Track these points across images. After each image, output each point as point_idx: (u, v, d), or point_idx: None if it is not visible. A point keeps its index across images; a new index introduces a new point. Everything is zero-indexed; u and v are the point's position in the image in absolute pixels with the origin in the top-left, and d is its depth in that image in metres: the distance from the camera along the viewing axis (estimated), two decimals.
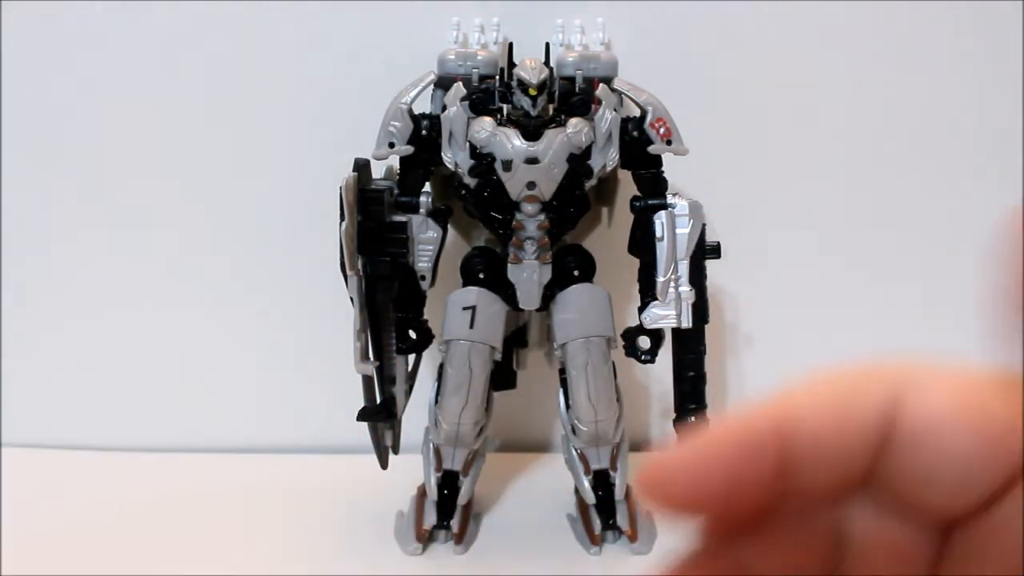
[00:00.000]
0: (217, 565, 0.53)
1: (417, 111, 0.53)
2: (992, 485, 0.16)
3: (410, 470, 0.58)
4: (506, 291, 0.54)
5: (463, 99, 0.52)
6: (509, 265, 0.53)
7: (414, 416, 0.57)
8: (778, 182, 0.65)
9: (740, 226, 0.61)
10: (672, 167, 0.53)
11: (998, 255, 0.17)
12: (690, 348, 0.53)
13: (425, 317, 0.54)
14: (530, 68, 0.50)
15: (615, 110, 0.52)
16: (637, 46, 0.60)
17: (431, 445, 0.56)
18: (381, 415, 0.54)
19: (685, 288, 0.52)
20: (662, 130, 0.52)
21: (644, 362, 0.54)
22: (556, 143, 0.51)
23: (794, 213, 0.66)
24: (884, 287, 0.65)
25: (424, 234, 0.53)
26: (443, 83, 0.53)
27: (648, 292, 0.53)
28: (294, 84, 0.62)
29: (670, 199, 0.52)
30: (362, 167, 0.51)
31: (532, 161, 0.50)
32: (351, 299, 0.51)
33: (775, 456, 0.17)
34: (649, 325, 0.53)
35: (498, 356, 0.54)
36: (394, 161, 0.53)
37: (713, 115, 0.62)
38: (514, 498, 0.62)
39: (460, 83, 0.52)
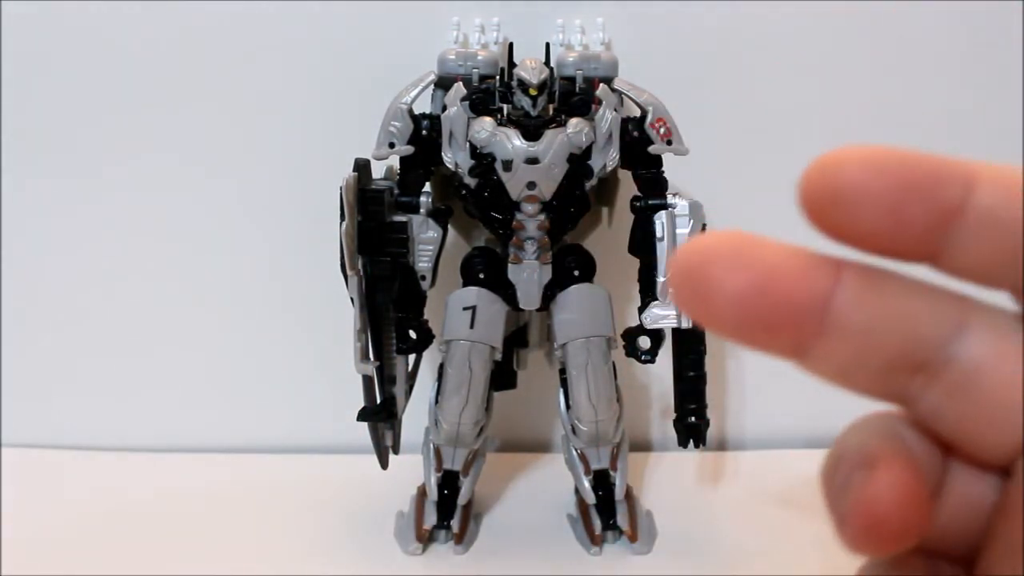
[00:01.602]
0: (217, 565, 0.53)
1: (417, 111, 0.53)
2: None
3: (410, 470, 0.58)
4: (506, 291, 0.54)
5: (463, 99, 0.52)
6: (509, 265, 0.53)
7: (414, 416, 0.57)
8: (778, 182, 0.65)
9: (740, 226, 0.61)
10: (672, 167, 0.53)
11: None
12: (690, 348, 0.53)
13: (425, 317, 0.54)
14: (530, 68, 0.50)
15: (615, 110, 0.52)
16: (637, 46, 0.60)
17: (431, 445, 0.56)
18: (381, 415, 0.54)
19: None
20: (662, 130, 0.52)
21: (644, 362, 0.54)
22: (556, 143, 0.51)
23: (794, 213, 0.65)
24: None
25: (424, 234, 0.53)
26: (443, 83, 0.53)
27: (648, 292, 0.53)
28: (294, 84, 0.62)
29: (670, 199, 0.52)
30: (362, 167, 0.51)
31: (532, 161, 0.50)
32: (351, 299, 0.51)
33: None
34: (649, 325, 0.53)
35: (498, 356, 0.54)
36: (394, 161, 0.53)
37: (713, 115, 0.62)
38: (514, 498, 0.62)
39: (460, 83, 0.52)
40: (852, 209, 0.16)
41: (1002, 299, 0.17)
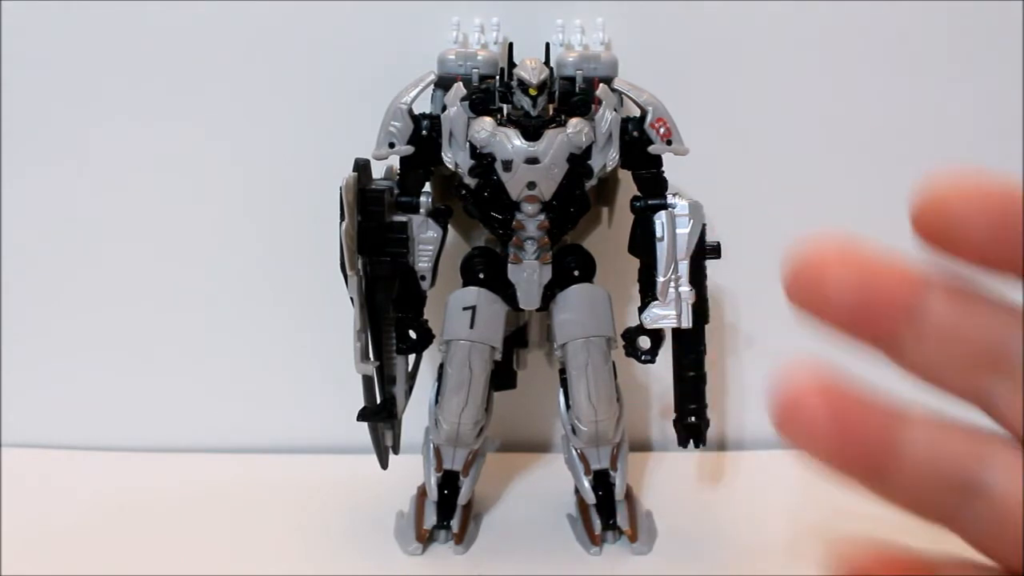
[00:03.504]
0: (217, 565, 0.53)
1: (417, 111, 0.53)
2: None
3: (410, 470, 0.58)
4: (506, 291, 0.54)
5: (463, 99, 0.52)
6: (509, 265, 0.53)
7: (414, 416, 0.57)
8: (778, 182, 0.65)
9: (740, 226, 0.61)
10: (672, 167, 0.53)
11: None
12: (690, 348, 0.53)
13: (425, 317, 0.54)
14: (530, 68, 0.50)
15: (615, 110, 0.52)
16: (637, 46, 0.60)
17: (431, 445, 0.56)
18: (381, 415, 0.54)
19: (685, 288, 0.52)
20: (662, 130, 0.52)
21: (644, 362, 0.54)
22: (556, 143, 0.51)
23: (794, 213, 0.65)
24: None
25: (424, 234, 0.53)
26: (443, 83, 0.53)
27: (648, 292, 0.53)
28: (294, 84, 0.62)
29: (670, 199, 0.52)
30: (362, 167, 0.51)
31: (532, 161, 0.50)
32: (351, 299, 0.51)
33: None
34: (649, 325, 0.53)
35: (498, 356, 0.54)
36: (394, 161, 0.53)
37: (713, 115, 0.62)
38: (514, 498, 0.62)
39: (460, 83, 0.52)
40: (958, 237, 0.19)
41: None
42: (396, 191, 0.53)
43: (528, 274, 0.53)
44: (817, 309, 0.19)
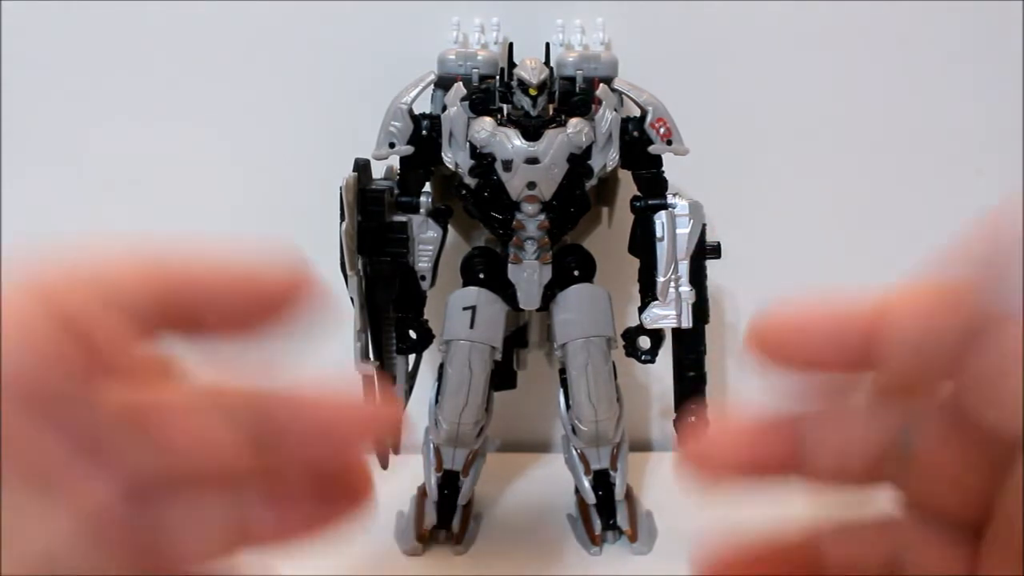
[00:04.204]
0: (216, 565, 0.53)
1: (417, 111, 0.53)
2: None
3: (410, 470, 0.58)
4: (506, 291, 0.54)
5: (463, 99, 0.52)
6: (509, 265, 0.53)
7: (414, 416, 0.57)
8: (778, 182, 0.65)
9: (740, 226, 0.61)
10: (672, 167, 0.53)
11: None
12: (690, 348, 0.53)
13: (425, 317, 0.54)
14: (530, 68, 0.50)
15: (615, 110, 0.52)
16: (637, 46, 0.60)
17: (431, 445, 0.56)
18: None
19: (685, 288, 0.52)
20: (662, 130, 0.52)
21: (644, 362, 0.54)
22: (556, 143, 0.51)
23: (794, 213, 0.66)
24: (885, 286, 0.65)
25: (424, 234, 0.53)
26: (443, 83, 0.53)
27: (648, 292, 0.53)
28: (294, 84, 0.63)
29: (670, 199, 0.52)
30: (362, 167, 0.51)
31: (532, 161, 0.50)
32: (351, 299, 0.51)
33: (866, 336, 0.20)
34: (649, 325, 0.53)
35: (498, 356, 0.54)
36: (394, 161, 0.53)
37: (713, 115, 0.62)
38: (514, 498, 0.62)
39: (460, 83, 0.52)
40: (785, 354, 0.22)
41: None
42: (396, 191, 0.53)
43: (528, 274, 0.53)
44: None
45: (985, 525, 0.20)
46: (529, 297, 0.53)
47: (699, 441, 0.22)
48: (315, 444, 0.21)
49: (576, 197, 0.52)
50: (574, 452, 0.57)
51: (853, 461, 0.21)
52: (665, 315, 0.52)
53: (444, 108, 0.52)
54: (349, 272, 0.50)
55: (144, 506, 0.19)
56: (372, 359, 0.52)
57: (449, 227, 0.54)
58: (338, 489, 0.23)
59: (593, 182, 0.53)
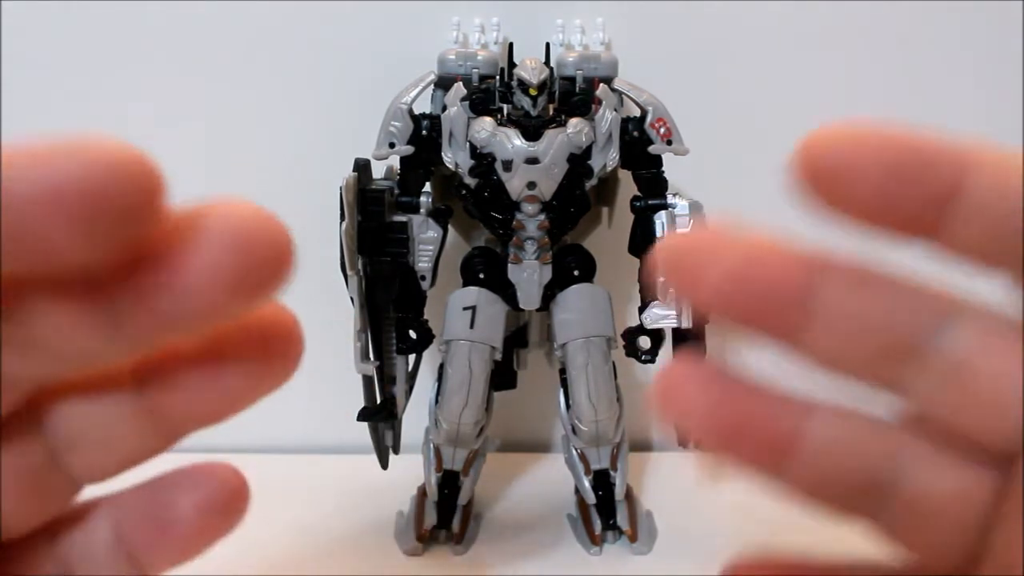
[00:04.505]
0: (216, 565, 0.53)
1: (417, 111, 0.53)
2: None
3: (410, 470, 0.58)
4: (506, 291, 0.54)
5: (463, 99, 0.52)
6: (509, 265, 0.53)
7: (414, 416, 0.57)
8: (778, 182, 0.65)
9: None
10: (672, 167, 0.53)
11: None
12: (690, 348, 0.53)
13: (425, 317, 0.54)
14: (530, 68, 0.50)
15: (615, 110, 0.52)
16: (637, 46, 0.60)
17: (431, 445, 0.56)
18: (381, 415, 0.54)
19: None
20: (662, 130, 0.52)
21: (644, 362, 0.54)
22: (556, 143, 0.51)
23: (795, 213, 0.66)
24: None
25: (424, 234, 0.53)
26: (443, 83, 0.53)
27: (648, 292, 0.53)
28: (294, 84, 0.63)
29: (670, 199, 0.52)
30: (362, 167, 0.51)
31: (532, 161, 0.50)
32: (351, 299, 0.51)
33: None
34: (650, 325, 0.53)
35: (498, 356, 0.54)
36: (394, 161, 0.53)
37: (713, 115, 0.62)
38: (514, 498, 0.62)
39: (460, 83, 0.52)
40: (843, 186, 0.17)
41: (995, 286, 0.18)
42: (396, 191, 0.53)
43: (528, 274, 0.53)
44: (698, 297, 0.18)
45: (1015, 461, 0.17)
46: (529, 297, 0.53)
47: (684, 248, 0.18)
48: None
49: (576, 197, 0.52)
50: (574, 452, 0.57)
51: (866, 341, 0.17)
52: (665, 315, 0.52)
53: (444, 108, 0.52)
54: (349, 272, 0.50)
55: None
56: (372, 359, 0.52)
57: (449, 227, 0.54)
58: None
59: (593, 182, 0.53)
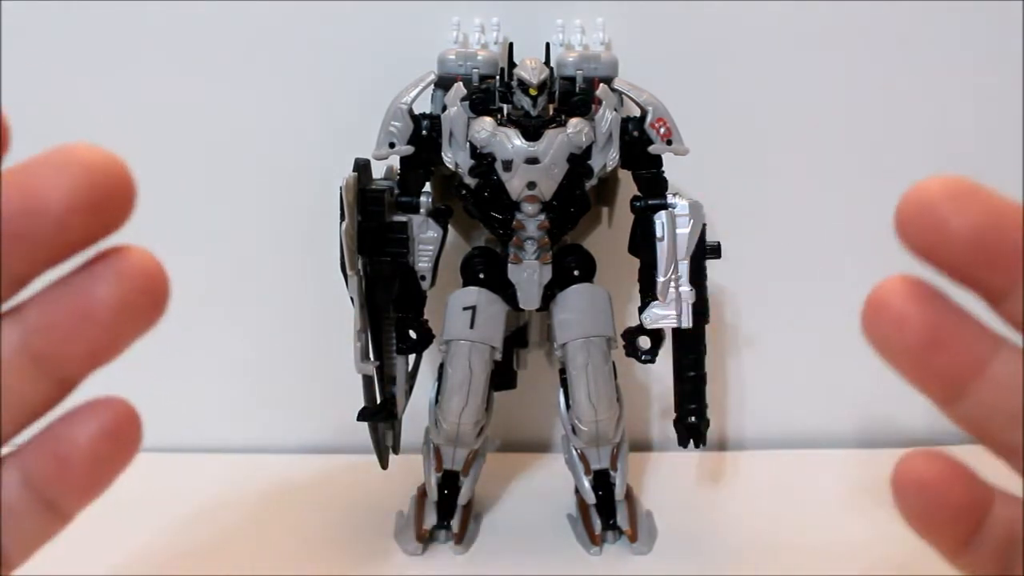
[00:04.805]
0: (216, 565, 0.53)
1: (417, 111, 0.53)
2: None
3: (410, 470, 0.58)
4: (506, 291, 0.54)
5: (463, 99, 0.52)
6: (509, 265, 0.53)
7: (414, 416, 0.57)
8: (778, 182, 0.65)
9: (740, 226, 0.61)
10: (672, 167, 0.53)
11: None
12: (690, 348, 0.53)
13: (425, 317, 0.54)
14: (530, 68, 0.50)
15: (615, 110, 0.52)
16: (637, 46, 0.60)
17: (431, 445, 0.56)
18: (381, 415, 0.54)
19: (685, 288, 0.52)
20: (662, 130, 0.52)
21: (644, 362, 0.54)
22: (556, 143, 0.51)
23: (795, 213, 0.66)
24: None
25: (424, 234, 0.53)
26: (443, 83, 0.53)
27: (648, 292, 0.53)
28: (294, 84, 0.63)
29: (670, 199, 0.52)
30: (362, 167, 0.51)
31: (532, 161, 0.50)
32: (351, 299, 0.51)
33: None
34: (649, 325, 0.53)
35: (498, 356, 0.54)
36: (394, 161, 0.53)
37: (713, 115, 0.62)
38: (514, 498, 0.62)
39: (460, 83, 0.52)
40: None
41: None
42: (396, 191, 0.53)
43: (528, 274, 0.53)
44: (934, 247, 0.19)
45: None
46: (529, 297, 0.53)
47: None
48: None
49: (576, 197, 0.52)
50: (574, 452, 0.57)
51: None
52: (665, 315, 0.52)
53: (444, 108, 0.52)
54: (349, 272, 0.50)
55: None
56: (372, 359, 0.52)
57: (449, 227, 0.54)
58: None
59: (593, 182, 0.53)
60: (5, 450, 0.22)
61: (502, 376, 0.57)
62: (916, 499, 0.20)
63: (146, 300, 0.21)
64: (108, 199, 0.19)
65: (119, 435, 0.21)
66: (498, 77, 0.53)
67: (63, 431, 0.21)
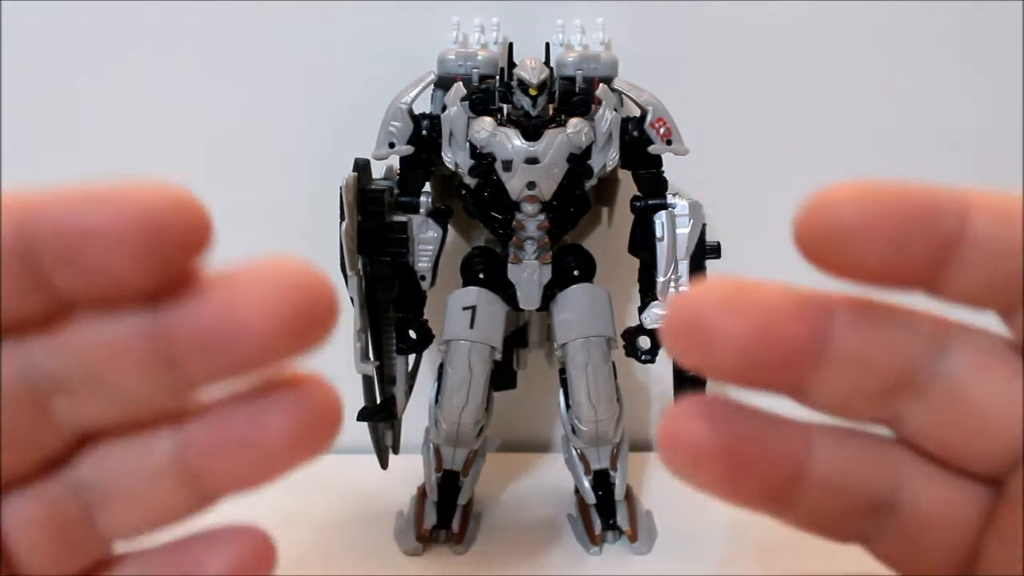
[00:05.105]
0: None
1: (417, 111, 0.53)
2: None
3: (410, 470, 0.58)
4: (506, 291, 0.54)
5: (463, 99, 0.52)
6: (509, 265, 0.53)
7: (414, 416, 0.57)
8: (778, 182, 0.65)
9: (740, 226, 0.61)
10: (672, 167, 0.53)
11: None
12: None
13: (425, 317, 0.54)
14: (530, 68, 0.50)
15: (615, 110, 0.52)
16: (637, 46, 0.60)
17: (431, 445, 0.56)
18: (381, 415, 0.54)
19: (685, 288, 0.52)
20: (662, 130, 0.52)
21: (644, 362, 0.54)
22: (556, 143, 0.51)
23: (795, 213, 0.65)
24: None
25: (424, 234, 0.53)
26: (443, 83, 0.53)
27: (648, 292, 0.53)
28: (294, 84, 0.63)
29: (670, 199, 0.52)
30: (362, 167, 0.51)
31: (532, 161, 0.50)
32: (351, 299, 0.51)
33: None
34: (649, 325, 0.53)
35: (498, 356, 0.54)
36: (394, 161, 0.53)
37: (713, 115, 0.62)
38: (514, 498, 0.62)
39: (460, 83, 0.52)
40: (850, 247, 0.17)
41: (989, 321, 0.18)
42: (396, 191, 0.53)
43: (528, 274, 0.53)
44: (706, 363, 0.17)
45: (1008, 479, 0.17)
46: (529, 297, 0.53)
47: (690, 298, 0.17)
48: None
49: (576, 197, 0.52)
50: (574, 452, 0.57)
51: (873, 380, 0.17)
52: (665, 315, 0.52)
53: (444, 108, 0.52)
54: (349, 272, 0.50)
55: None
56: (372, 359, 0.52)
57: (449, 227, 0.54)
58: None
59: (593, 182, 0.53)
60: (130, 548, 0.21)
61: (502, 376, 0.57)
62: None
63: (318, 433, 0.19)
64: (311, 323, 0.18)
65: (252, 568, 0.20)
66: (498, 77, 0.53)
67: (196, 556, 0.20)
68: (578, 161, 0.51)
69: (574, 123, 0.51)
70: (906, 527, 0.18)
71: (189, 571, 0.20)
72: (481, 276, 0.54)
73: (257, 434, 0.18)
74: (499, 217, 0.52)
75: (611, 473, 0.57)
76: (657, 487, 0.63)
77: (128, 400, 0.18)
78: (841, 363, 0.17)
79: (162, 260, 0.17)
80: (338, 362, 0.52)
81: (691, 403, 0.18)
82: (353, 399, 0.53)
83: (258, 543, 0.20)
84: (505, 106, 0.52)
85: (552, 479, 0.62)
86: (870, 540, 0.19)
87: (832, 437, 0.19)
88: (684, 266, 0.52)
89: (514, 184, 0.51)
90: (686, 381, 0.54)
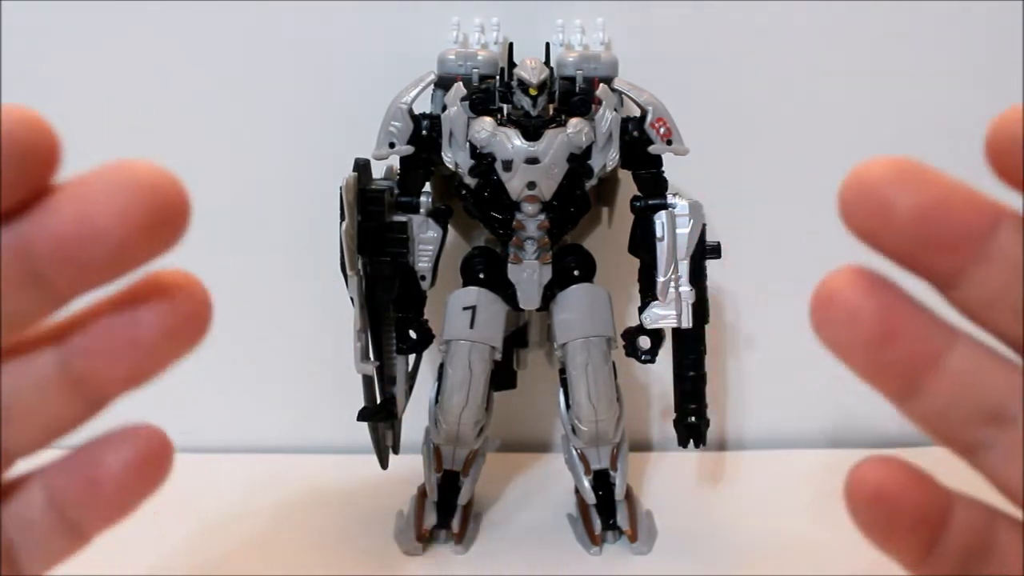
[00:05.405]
0: (216, 565, 0.53)
1: (417, 111, 0.53)
2: None
3: (410, 470, 0.58)
4: (506, 291, 0.54)
5: (463, 99, 0.52)
6: (509, 265, 0.53)
7: (414, 416, 0.57)
8: (779, 182, 0.65)
9: (740, 226, 0.61)
10: (672, 167, 0.53)
11: None
12: (690, 348, 0.53)
13: (425, 317, 0.54)
14: (530, 68, 0.50)
15: (615, 110, 0.52)
16: (637, 46, 0.60)
17: (431, 445, 0.56)
18: (381, 415, 0.54)
19: (685, 288, 0.52)
20: (662, 130, 0.52)
21: (644, 362, 0.54)
22: (556, 143, 0.51)
23: (795, 213, 0.66)
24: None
25: (424, 234, 0.53)
26: (443, 83, 0.53)
27: (648, 292, 0.53)
28: (294, 84, 0.63)
29: (670, 199, 0.52)
30: (362, 167, 0.51)
31: (532, 161, 0.50)
32: (351, 299, 0.51)
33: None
34: (649, 325, 0.53)
35: (498, 356, 0.54)
36: (394, 161, 0.53)
37: (713, 115, 0.62)
38: (514, 498, 0.62)
39: (460, 83, 0.52)
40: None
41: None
42: (396, 191, 0.53)
43: (528, 274, 0.53)
44: (878, 232, 0.18)
45: None
46: (529, 297, 0.53)
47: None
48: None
49: (576, 197, 0.52)
50: (574, 452, 0.57)
51: (1020, 286, 0.18)
52: (665, 315, 0.52)
53: (444, 108, 0.52)
54: (349, 272, 0.50)
55: None
56: (372, 359, 0.52)
57: (449, 227, 0.54)
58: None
59: (593, 182, 0.53)
60: (30, 466, 0.22)
61: (502, 376, 0.57)
62: (870, 510, 0.20)
63: (191, 326, 0.21)
64: (164, 223, 0.19)
65: (151, 462, 0.22)
66: (498, 77, 0.53)
67: (96, 455, 0.21)
68: (578, 161, 0.51)
69: (574, 123, 0.51)
70: (1017, 443, 0.19)
71: (89, 471, 0.21)
72: (481, 276, 0.54)
73: (133, 332, 0.20)
74: (499, 217, 0.52)
75: (611, 473, 0.57)
76: (657, 487, 0.63)
77: (4, 322, 0.19)
78: (1000, 264, 0.18)
79: (13, 176, 0.18)
80: (338, 362, 0.52)
81: (846, 270, 0.19)
82: (353, 399, 0.53)
83: (155, 440, 0.21)
84: (505, 106, 0.52)
85: (552, 479, 0.62)
86: (978, 452, 0.19)
87: (972, 342, 0.19)
88: (684, 266, 0.52)
89: (514, 184, 0.51)
90: (686, 381, 0.54)
